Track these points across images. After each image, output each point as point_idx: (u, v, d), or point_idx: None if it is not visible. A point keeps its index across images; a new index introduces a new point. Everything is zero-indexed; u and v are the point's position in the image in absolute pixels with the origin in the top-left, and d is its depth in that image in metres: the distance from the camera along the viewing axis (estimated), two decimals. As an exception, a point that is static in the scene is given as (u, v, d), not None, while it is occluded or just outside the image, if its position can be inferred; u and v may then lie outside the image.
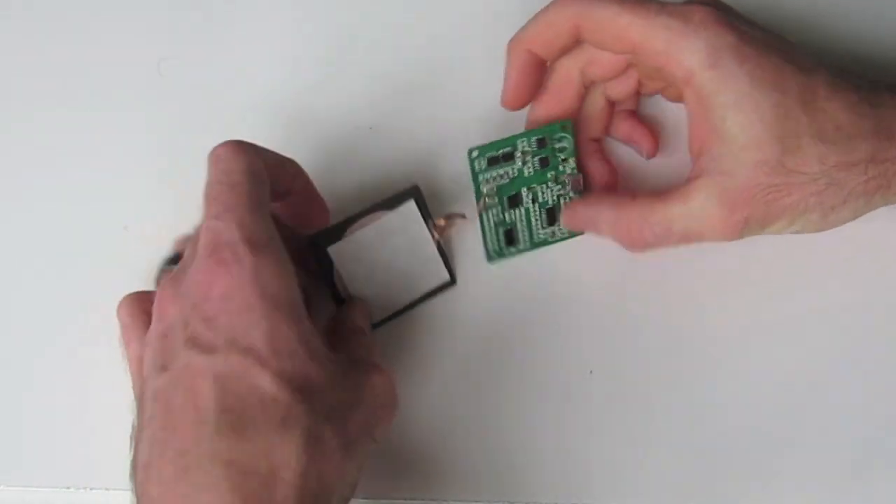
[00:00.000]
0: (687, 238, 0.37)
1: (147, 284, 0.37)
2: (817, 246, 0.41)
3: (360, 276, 0.39)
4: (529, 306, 0.40)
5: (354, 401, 0.33)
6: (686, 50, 0.35)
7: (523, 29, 0.39)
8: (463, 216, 0.41)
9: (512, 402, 0.39)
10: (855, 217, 0.37)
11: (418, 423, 0.39)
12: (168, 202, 0.42)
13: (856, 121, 0.35)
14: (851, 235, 0.41)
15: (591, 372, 0.40)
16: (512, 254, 0.41)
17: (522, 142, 0.40)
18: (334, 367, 0.32)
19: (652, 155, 0.42)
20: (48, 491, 0.39)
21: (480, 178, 0.40)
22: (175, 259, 0.36)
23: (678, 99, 0.40)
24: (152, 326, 0.33)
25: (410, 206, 0.39)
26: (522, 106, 0.40)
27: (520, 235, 0.41)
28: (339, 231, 0.38)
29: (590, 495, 0.38)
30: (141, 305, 0.35)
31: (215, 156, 0.34)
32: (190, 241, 0.34)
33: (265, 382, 0.30)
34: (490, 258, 0.41)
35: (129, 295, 0.36)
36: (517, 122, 0.41)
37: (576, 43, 0.38)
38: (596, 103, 0.41)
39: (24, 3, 0.46)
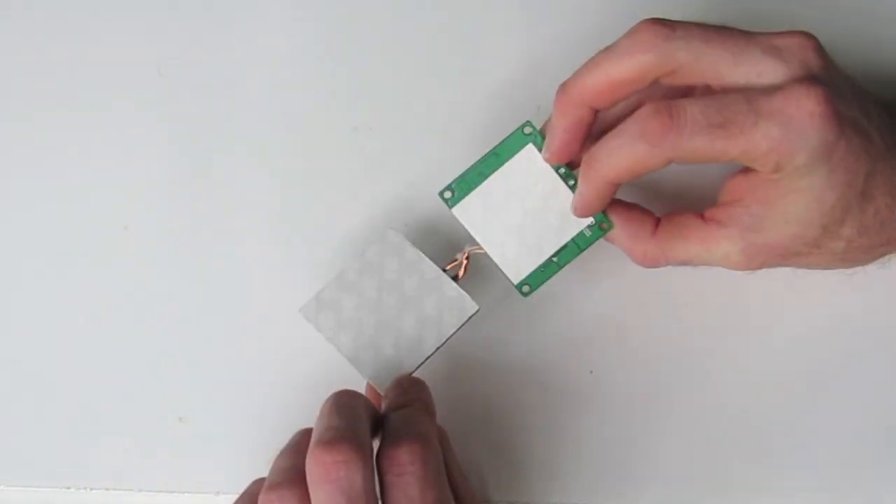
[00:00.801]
0: (701, 263, 0.37)
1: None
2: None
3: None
4: (530, 311, 0.40)
5: None
6: (787, 155, 0.32)
7: (606, 164, 0.34)
8: (467, 252, 0.39)
9: (512, 401, 0.39)
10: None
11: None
12: (168, 202, 0.42)
13: (892, 205, 0.34)
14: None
15: (591, 372, 0.40)
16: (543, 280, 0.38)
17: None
18: None
19: None
20: (48, 491, 0.39)
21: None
22: None
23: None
24: None
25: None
26: (570, 160, 0.37)
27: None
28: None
29: (590, 495, 0.38)
30: None
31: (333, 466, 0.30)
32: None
33: None
34: (524, 293, 0.38)
35: None
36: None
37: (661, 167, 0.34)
38: None
39: (24, 3, 0.46)
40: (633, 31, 0.34)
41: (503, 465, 0.38)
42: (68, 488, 0.39)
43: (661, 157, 0.33)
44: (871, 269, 0.39)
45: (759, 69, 0.33)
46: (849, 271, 0.38)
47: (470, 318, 0.37)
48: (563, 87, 0.35)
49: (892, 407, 0.39)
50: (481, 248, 0.37)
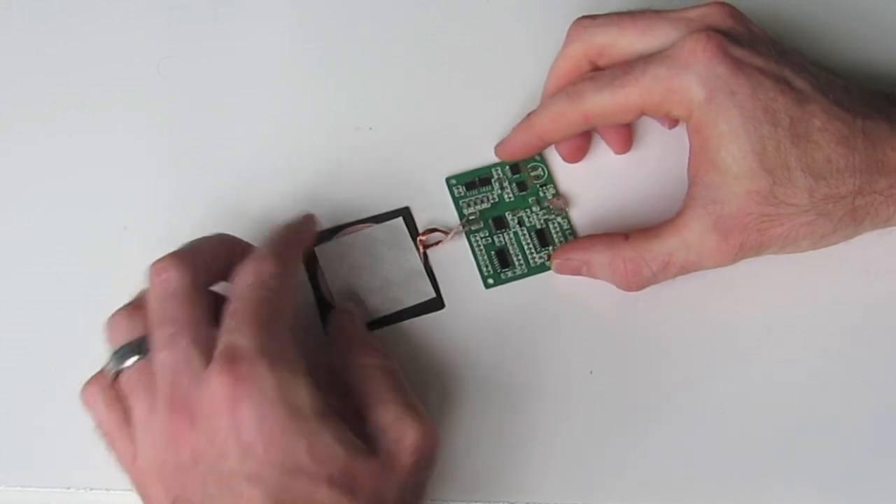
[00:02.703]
0: (684, 269, 0.38)
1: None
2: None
3: (343, 278, 0.40)
4: (529, 319, 0.40)
5: (398, 478, 0.32)
6: (681, 91, 0.36)
7: (537, 115, 0.40)
8: (443, 231, 0.41)
9: (512, 401, 0.39)
10: (845, 240, 0.38)
11: (418, 423, 0.39)
12: (168, 202, 0.43)
13: (847, 154, 0.36)
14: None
15: (591, 372, 0.40)
16: (509, 278, 0.41)
17: (496, 170, 0.42)
18: (367, 451, 0.32)
19: (622, 152, 0.43)
20: (48, 491, 0.39)
21: (461, 202, 0.42)
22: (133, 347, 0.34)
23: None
24: (156, 453, 0.32)
25: (398, 222, 0.41)
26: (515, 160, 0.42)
27: (514, 259, 0.41)
28: (327, 235, 0.41)
29: (590, 495, 0.38)
30: (111, 393, 0.34)
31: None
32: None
33: (322, 494, 0.30)
34: (486, 284, 0.41)
35: (91, 380, 0.35)
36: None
37: (587, 128, 0.40)
38: None
39: (24, 3, 0.46)
40: (568, 31, 0.40)
41: (502, 466, 0.38)
42: (68, 488, 0.39)
43: (578, 115, 0.38)
44: (874, 268, 0.39)
45: (665, 38, 0.37)
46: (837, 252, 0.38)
47: (427, 305, 0.40)
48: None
49: (893, 407, 0.39)
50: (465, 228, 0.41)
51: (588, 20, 0.39)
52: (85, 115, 0.44)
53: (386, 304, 0.40)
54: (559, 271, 0.40)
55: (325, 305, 0.40)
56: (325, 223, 0.41)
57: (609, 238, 0.39)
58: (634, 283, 0.38)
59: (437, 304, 0.40)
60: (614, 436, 0.39)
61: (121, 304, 0.36)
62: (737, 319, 0.40)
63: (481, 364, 0.40)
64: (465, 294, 0.41)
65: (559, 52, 0.40)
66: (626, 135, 0.42)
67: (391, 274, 0.40)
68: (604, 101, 0.38)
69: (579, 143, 0.42)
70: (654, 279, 0.38)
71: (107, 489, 0.39)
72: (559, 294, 0.41)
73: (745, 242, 0.36)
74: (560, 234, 0.41)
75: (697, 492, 0.38)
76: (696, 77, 0.36)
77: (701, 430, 0.39)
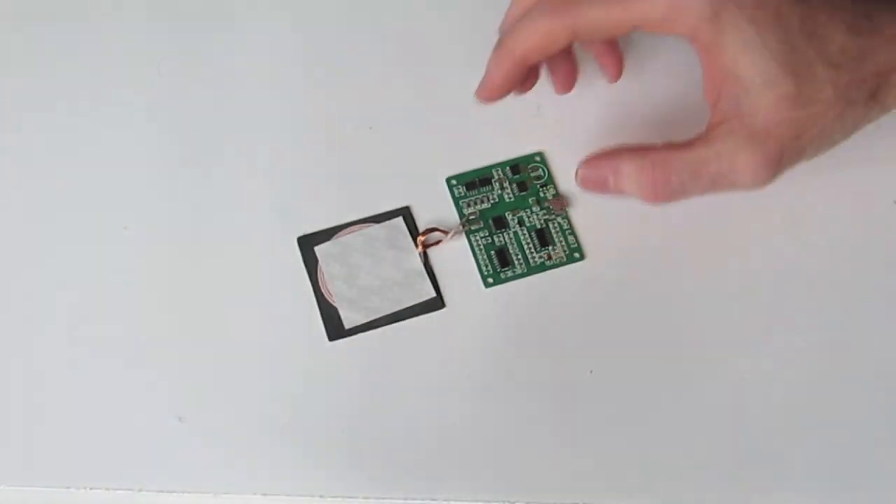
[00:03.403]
0: (716, 184, 0.36)
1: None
2: (818, 244, 0.41)
3: (343, 278, 0.40)
4: (529, 318, 0.40)
5: None
6: (685, 11, 0.35)
7: (513, 38, 0.38)
8: (443, 230, 0.41)
9: (512, 401, 0.39)
10: (874, 121, 0.38)
11: (418, 423, 0.39)
12: (168, 202, 0.43)
13: (856, 39, 0.36)
14: (853, 232, 0.41)
15: (591, 372, 0.40)
16: (508, 277, 0.41)
17: (497, 170, 0.42)
18: None
19: (615, 79, 0.43)
20: (48, 491, 0.39)
21: (461, 202, 0.42)
22: None
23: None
24: None
25: (398, 222, 0.41)
26: (498, 100, 0.40)
27: (513, 258, 0.41)
28: (327, 235, 0.41)
29: (590, 495, 0.38)
30: None
31: None
32: None
33: None
34: (486, 284, 0.41)
35: None
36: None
37: (570, 43, 0.38)
38: None
39: (24, 3, 0.46)
40: None
41: (502, 466, 0.38)
42: (68, 488, 0.39)
43: (564, 30, 0.37)
44: (874, 268, 0.39)
45: None
46: None
47: (426, 305, 0.40)
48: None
49: (893, 406, 0.39)
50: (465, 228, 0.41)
51: None
52: (85, 115, 0.44)
53: (386, 303, 0.40)
54: (584, 185, 0.39)
55: (324, 305, 0.40)
56: (324, 223, 0.41)
57: (638, 146, 0.38)
58: (662, 191, 0.37)
59: (437, 303, 0.40)
60: (614, 436, 0.39)
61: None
62: (738, 319, 0.40)
63: (481, 364, 0.40)
64: (465, 294, 0.41)
65: (529, 27, 0.37)
66: (618, 56, 0.42)
67: (391, 274, 0.40)
68: (597, 16, 0.36)
69: (569, 68, 0.42)
70: (682, 189, 0.37)
71: (107, 489, 0.39)
72: (559, 293, 0.41)
73: (784, 152, 0.36)
74: (560, 234, 0.41)
75: (697, 492, 0.38)
76: None
77: (701, 429, 0.39)
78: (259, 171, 0.43)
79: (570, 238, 0.41)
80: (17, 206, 0.43)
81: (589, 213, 0.42)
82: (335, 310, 0.40)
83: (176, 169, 0.43)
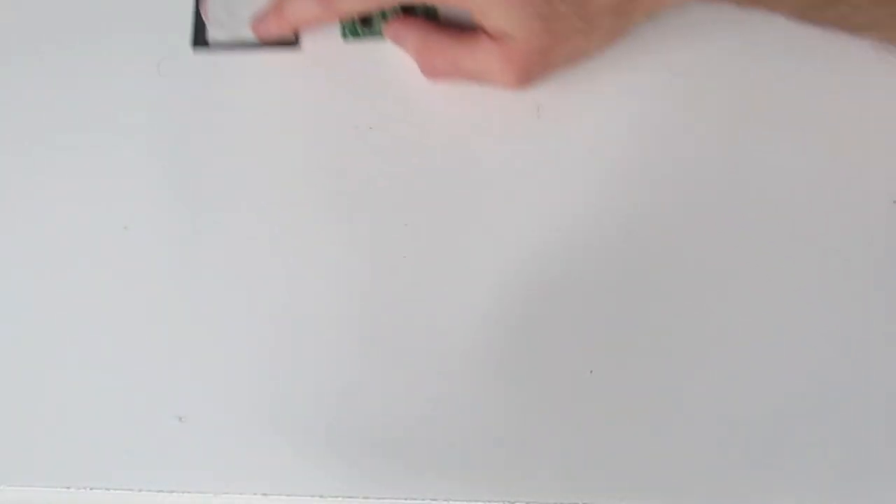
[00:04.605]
0: (475, 77, 0.41)
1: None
2: (817, 244, 0.41)
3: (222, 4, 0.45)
4: (530, 310, 0.40)
5: None
6: None
7: (290, 12, 0.43)
8: None
9: (512, 401, 0.39)
10: (625, 34, 0.42)
11: (418, 423, 0.39)
12: (168, 202, 0.42)
13: None
14: (853, 232, 0.41)
15: (591, 372, 0.40)
16: (366, 34, 0.44)
17: None
18: None
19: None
20: (48, 491, 0.39)
21: None
22: None
23: None
24: None
25: None
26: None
27: (376, 21, 0.44)
28: None
29: (590, 495, 0.38)
30: None
31: None
32: None
33: None
34: (344, 35, 0.44)
35: None
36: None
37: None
38: None
39: (24, 3, 0.46)
40: None
41: (502, 466, 0.38)
42: (68, 488, 0.39)
43: (332, 15, 0.42)
44: (873, 267, 0.39)
45: None
46: None
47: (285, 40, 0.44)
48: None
49: (894, 406, 0.39)
50: None
51: None
52: (85, 115, 0.44)
53: (251, 33, 0.44)
54: (386, 33, 0.43)
55: (200, 22, 0.45)
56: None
57: (429, 24, 0.43)
58: (431, 71, 0.42)
59: (292, 42, 0.44)
60: (614, 436, 0.39)
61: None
62: (738, 318, 0.40)
63: (481, 364, 0.40)
64: (323, 40, 0.44)
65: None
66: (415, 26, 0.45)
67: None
68: (359, 8, 0.42)
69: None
70: (446, 74, 0.42)
71: (107, 489, 0.39)
72: (558, 293, 0.41)
73: (529, 68, 0.40)
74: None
75: (697, 492, 0.38)
76: None
77: (701, 429, 0.39)
78: (260, 170, 0.43)
79: None
80: (18, 205, 0.43)
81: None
82: (204, 25, 0.44)
83: (176, 169, 0.43)
